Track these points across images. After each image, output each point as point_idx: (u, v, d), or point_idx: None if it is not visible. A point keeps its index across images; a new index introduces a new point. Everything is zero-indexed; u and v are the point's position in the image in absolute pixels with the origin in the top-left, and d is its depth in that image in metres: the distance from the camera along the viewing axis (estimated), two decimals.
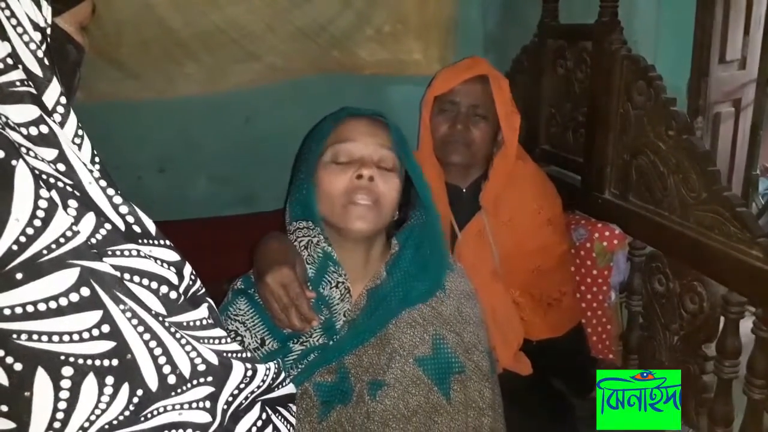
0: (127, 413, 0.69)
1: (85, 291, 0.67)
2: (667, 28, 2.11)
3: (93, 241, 0.70)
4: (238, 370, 0.79)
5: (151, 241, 0.77)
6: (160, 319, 0.72)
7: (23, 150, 0.67)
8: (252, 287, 1.40)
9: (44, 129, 0.69)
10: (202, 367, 0.74)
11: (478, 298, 1.50)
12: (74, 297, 0.66)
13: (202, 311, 0.80)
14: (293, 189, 1.45)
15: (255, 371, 0.82)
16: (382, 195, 1.33)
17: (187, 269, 0.80)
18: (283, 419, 0.91)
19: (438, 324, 1.38)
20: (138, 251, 0.74)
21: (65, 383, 0.66)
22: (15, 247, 0.64)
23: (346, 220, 1.33)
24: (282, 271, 1.31)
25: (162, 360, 0.71)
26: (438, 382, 1.34)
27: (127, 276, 0.72)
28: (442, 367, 1.35)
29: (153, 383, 0.71)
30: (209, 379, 0.75)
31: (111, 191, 0.74)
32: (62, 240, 0.66)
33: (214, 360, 0.76)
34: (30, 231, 0.65)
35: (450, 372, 1.35)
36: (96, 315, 0.67)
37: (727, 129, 2.95)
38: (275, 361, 0.92)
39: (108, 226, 0.72)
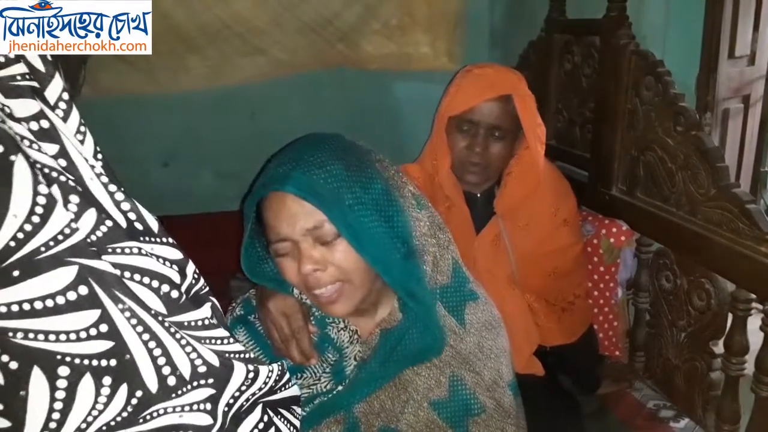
0: (125, 414, 0.68)
1: (83, 289, 0.66)
2: (675, 23, 2.09)
3: (93, 238, 0.69)
4: (239, 371, 0.78)
5: (153, 239, 0.76)
6: (160, 318, 0.71)
7: (26, 143, 0.66)
8: (253, 313, 1.28)
9: (45, 124, 0.69)
10: (202, 369, 0.74)
11: (502, 326, 1.38)
12: (72, 295, 0.66)
13: (204, 311, 0.79)
14: (254, 262, 1.26)
15: (257, 373, 0.81)
16: (341, 271, 1.12)
17: (190, 267, 0.79)
18: (285, 421, 0.90)
19: (456, 364, 1.27)
20: (139, 249, 0.73)
21: (61, 383, 0.66)
22: (12, 244, 0.63)
23: (320, 307, 1.19)
24: (286, 300, 1.23)
25: (161, 361, 0.70)
26: (454, 426, 1.25)
27: (127, 274, 0.71)
28: (458, 410, 1.26)
29: (153, 384, 0.70)
30: (210, 380, 0.74)
31: (113, 187, 0.73)
32: (61, 237, 0.65)
33: (215, 361, 0.75)
34: (28, 227, 0.64)
35: (468, 415, 1.27)
36: (94, 314, 0.67)
37: (736, 125, 2.91)
38: (279, 363, 0.89)
39: (109, 222, 0.71)
